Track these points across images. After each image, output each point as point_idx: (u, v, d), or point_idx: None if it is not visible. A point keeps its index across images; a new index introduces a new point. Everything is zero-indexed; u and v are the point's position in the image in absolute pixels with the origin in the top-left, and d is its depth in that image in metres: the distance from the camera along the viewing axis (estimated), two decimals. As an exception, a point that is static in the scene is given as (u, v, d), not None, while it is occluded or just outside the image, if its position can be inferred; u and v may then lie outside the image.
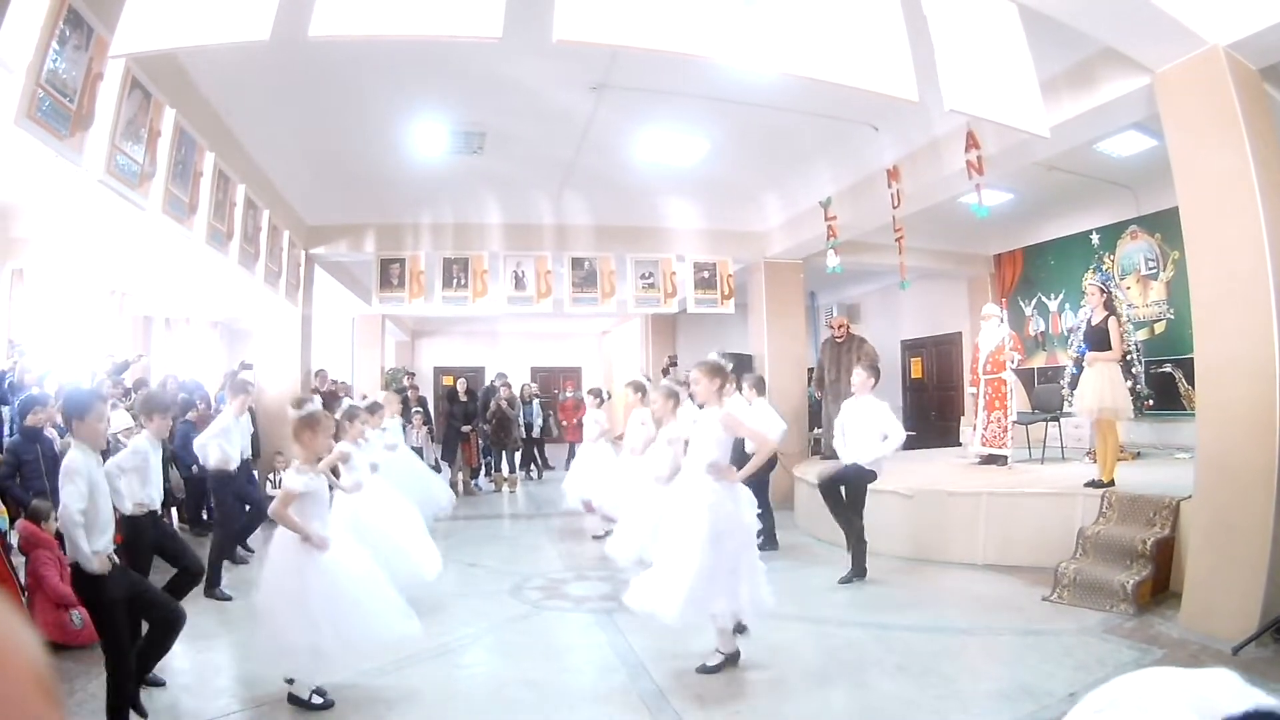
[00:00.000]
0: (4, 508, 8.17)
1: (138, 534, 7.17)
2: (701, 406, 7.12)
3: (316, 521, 6.46)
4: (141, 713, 5.97)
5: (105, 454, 6.64)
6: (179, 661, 7.14)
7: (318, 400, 7.15)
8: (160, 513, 7.50)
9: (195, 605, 7.87)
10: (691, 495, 6.85)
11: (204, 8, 5.17)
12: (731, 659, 6.88)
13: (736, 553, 6.70)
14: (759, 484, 11.87)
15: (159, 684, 6.68)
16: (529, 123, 10.98)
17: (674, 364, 19.87)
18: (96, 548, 5.61)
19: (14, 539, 8.02)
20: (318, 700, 6.32)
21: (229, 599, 9.37)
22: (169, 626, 6.32)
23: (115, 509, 6.25)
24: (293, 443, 6.88)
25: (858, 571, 9.67)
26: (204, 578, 8.70)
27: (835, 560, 10.34)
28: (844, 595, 9.20)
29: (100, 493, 5.79)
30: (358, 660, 6.65)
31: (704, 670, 6.78)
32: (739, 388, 12.59)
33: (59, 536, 7.71)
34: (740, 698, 6.30)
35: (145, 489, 7.12)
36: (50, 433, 9.38)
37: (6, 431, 9.84)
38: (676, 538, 6.81)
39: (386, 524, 8.61)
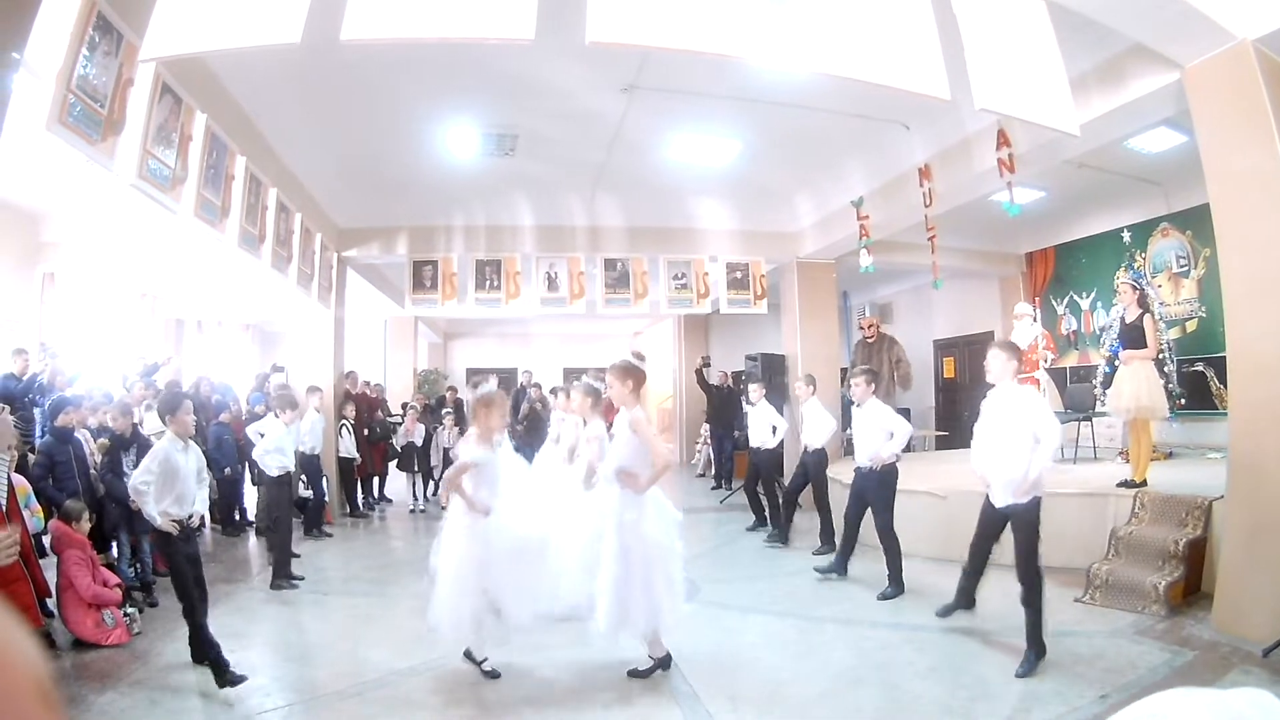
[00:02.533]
0: (39, 507, 8.25)
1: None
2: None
3: (485, 489, 6.86)
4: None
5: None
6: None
7: (494, 381, 7.21)
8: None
9: (233, 604, 7.94)
10: (603, 504, 6.88)
11: (234, 11, 5.19)
12: (663, 663, 6.87)
13: (642, 565, 6.57)
14: (820, 491, 11.85)
15: (242, 680, 6.82)
16: (561, 124, 11.01)
17: (707, 364, 19.82)
18: (169, 511, 6.86)
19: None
20: (488, 668, 6.75)
21: (298, 584, 10.16)
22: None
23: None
24: (471, 420, 7.39)
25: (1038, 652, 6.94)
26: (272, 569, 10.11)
27: (867, 561, 10.32)
28: (876, 597, 9.19)
29: (177, 475, 6.97)
30: (509, 633, 6.97)
31: (634, 674, 6.83)
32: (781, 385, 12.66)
33: (93, 533, 7.95)
34: (773, 698, 6.31)
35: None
36: (81, 434, 9.47)
37: (38, 433, 9.93)
38: (601, 549, 6.77)
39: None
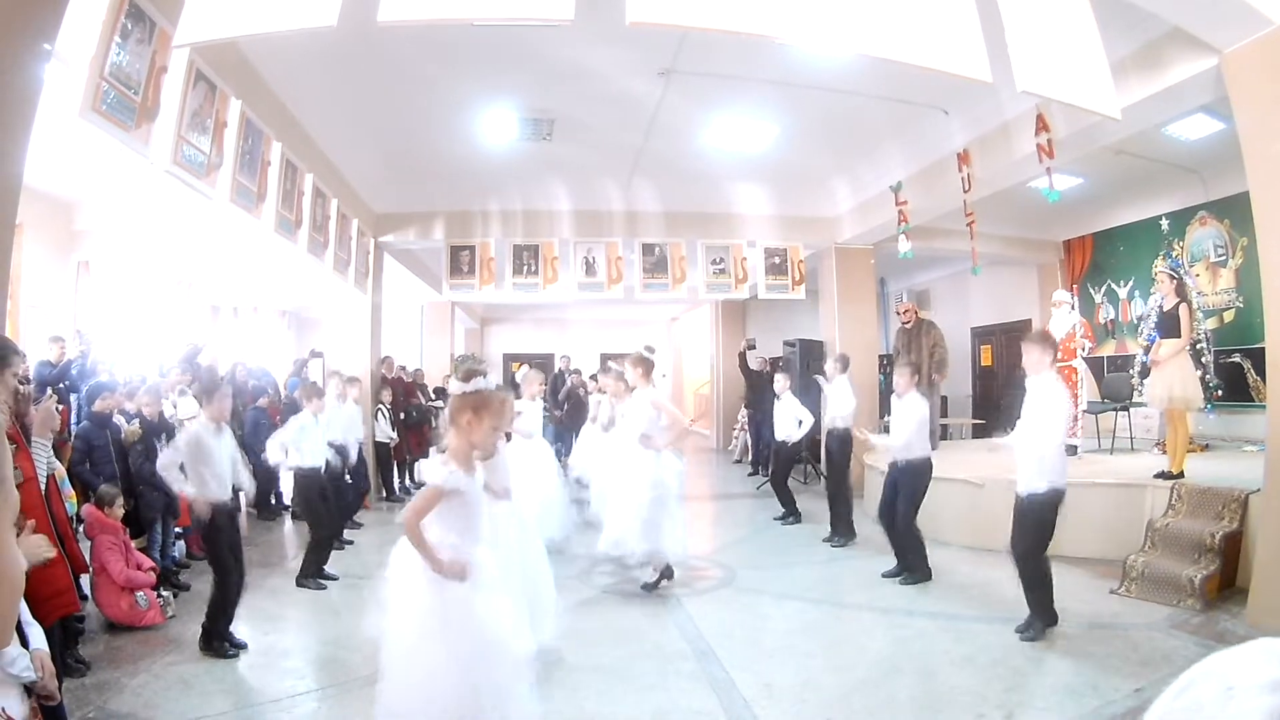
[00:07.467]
0: (73, 491, 8.29)
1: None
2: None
3: (465, 536, 4.79)
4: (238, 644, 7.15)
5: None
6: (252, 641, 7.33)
7: (493, 377, 4.99)
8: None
9: (266, 588, 7.97)
10: (627, 460, 8.99)
11: (269, -6, 5.19)
12: (666, 572, 9.03)
13: (655, 505, 8.66)
14: (838, 473, 11.84)
15: (242, 646, 7.14)
16: (598, 109, 11.03)
17: (752, 346, 19.70)
18: (207, 493, 7.00)
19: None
20: None
21: (325, 585, 9.51)
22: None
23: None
24: (449, 426, 4.93)
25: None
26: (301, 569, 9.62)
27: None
28: (913, 586, 9.15)
29: (210, 457, 7.06)
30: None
31: (646, 587, 8.95)
32: (819, 370, 12.85)
33: (129, 518, 8.05)
34: (808, 686, 6.31)
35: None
36: (118, 419, 9.52)
37: (74, 418, 10.00)
38: (620, 493, 8.99)
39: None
